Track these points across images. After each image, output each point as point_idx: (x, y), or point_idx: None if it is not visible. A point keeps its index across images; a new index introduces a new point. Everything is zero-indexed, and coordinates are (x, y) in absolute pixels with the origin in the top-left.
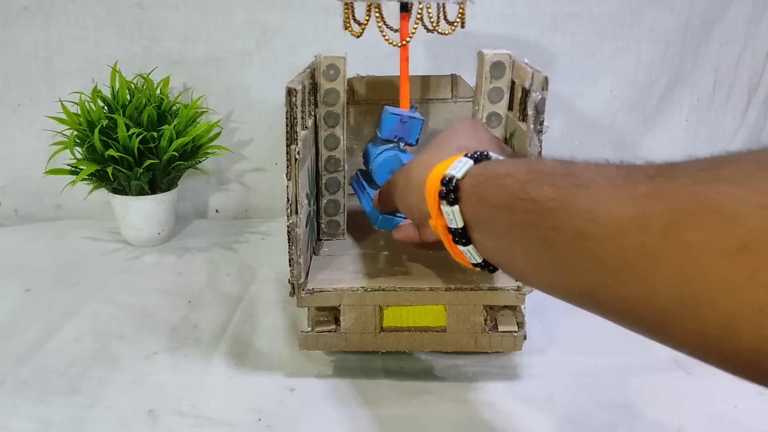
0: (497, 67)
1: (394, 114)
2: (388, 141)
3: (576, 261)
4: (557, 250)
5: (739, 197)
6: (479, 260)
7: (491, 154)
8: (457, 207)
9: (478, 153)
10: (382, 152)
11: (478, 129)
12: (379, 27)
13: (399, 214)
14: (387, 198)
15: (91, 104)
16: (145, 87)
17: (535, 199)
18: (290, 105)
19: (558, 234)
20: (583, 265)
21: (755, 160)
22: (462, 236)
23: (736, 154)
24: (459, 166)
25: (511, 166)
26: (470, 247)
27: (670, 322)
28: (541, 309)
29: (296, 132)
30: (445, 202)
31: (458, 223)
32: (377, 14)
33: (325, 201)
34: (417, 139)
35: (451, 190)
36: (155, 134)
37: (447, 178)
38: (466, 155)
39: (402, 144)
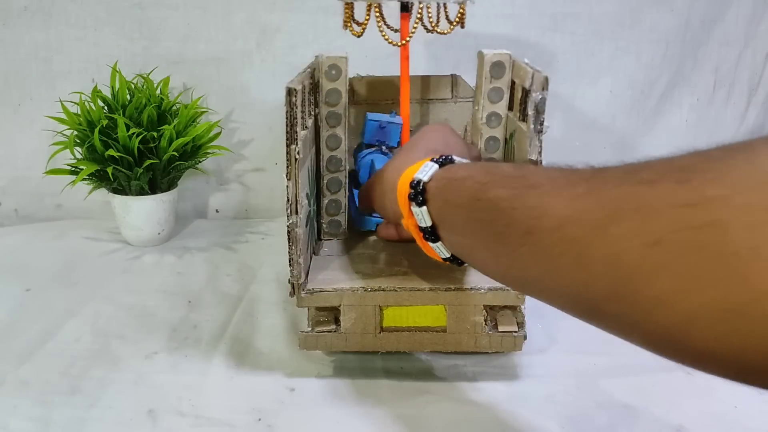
0: (497, 67)
1: (374, 120)
2: (371, 145)
3: (525, 253)
4: (510, 244)
5: (655, 196)
6: (448, 255)
7: (455, 158)
8: (425, 208)
9: (443, 157)
10: (365, 156)
11: (446, 132)
12: (379, 27)
13: (375, 215)
14: (366, 200)
15: (91, 104)
16: (145, 87)
17: (491, 199)
18: (290, 105)
19: (510, 230)
20: (532, 256)
21: (670, 164)
22: (431, 234)
23: (657, 159)
24: (425, 170)
25: (471, 169)
26: (439, 244)
27: (604, 307)
28: (541, 309)
29: (296, 132)
30: (414, 203)
31: (427, 222)
32: (377, 14)
33: (326, 201)
34: (398, 142)
35: (419, 193)
36: (155, 134)
37: (415, 182)
38: (432, 159)
39: (384, 147)
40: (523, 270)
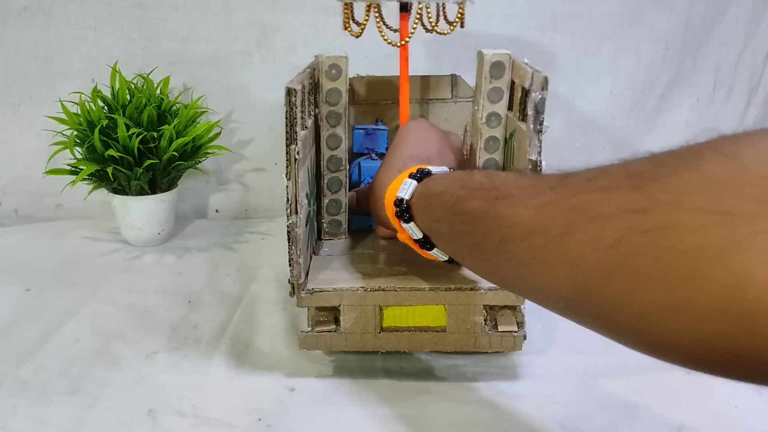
0: (497, 67)
1: (360, 129)
2: (361, 153)
3: (502, 260)
4: (488, 252)
5: (610, 203)
6: (446, 258)
7: (432, 169)
8: (412, 223)
9: (420, 171)
10: (355, 161)
11: (424, 130)
12: (379, 27)
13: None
14: (366, 209)
15: (91, 104)
16: (145, 87)
17: (467, 212)
18: (290, 105)
19: (486, 239)
20: (507, 263)
21: (625, 171)
22: (426, 243)
23: (613, 165)
24: (406, 188)
25: (446, 183)
26: (435, 250)
27: (573, 306)
28: (541, 309)
29: (296, 132)
30: (401, 220)
31: (418, 235)
32: (377, 14)
33: (327, 200)
34: (386, 147)
35: (404, 210)
36: (155, 134)
37: (398, 200)
38: (410, 175)
39: (374, 154)
40: (503, 274)
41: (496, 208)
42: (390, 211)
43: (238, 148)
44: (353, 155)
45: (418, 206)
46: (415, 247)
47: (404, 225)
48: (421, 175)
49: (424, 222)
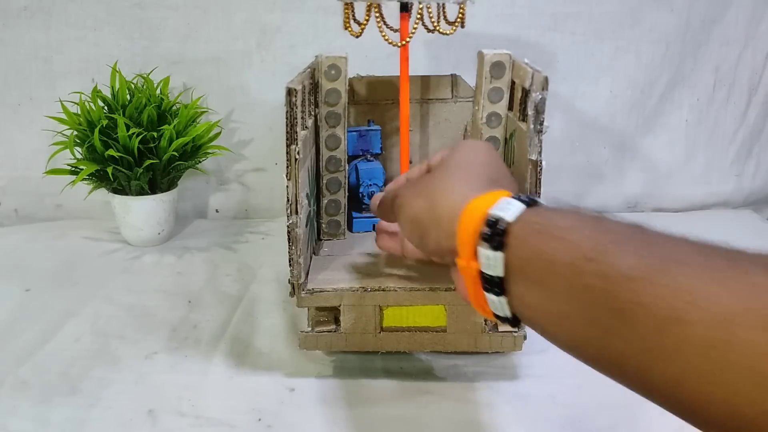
0: (497, 67)
1: (353, 131)
2: (356, 156)
3: (658, 344)
4: (635, 327)
5: None
6: (509, 314)
7: (539, 200)
8: (501, 253)
9: (528, 197)
10: (352, 167)
11: (492, 154)
12: (379, 27)
13: (366, 214)
14: (388, 212)
15: (91, 104)
16: (145, 87)
17: (614, 264)
18: (290, 105)
19: (642, 310)
20: (665, 350)
21: None
22: (497, 285)
23: None
24: (507, 208)
25: (574, 219)
26: (502, 298)
27: (754, 426)
28: None
29: (296, 132)
30: (488, 245)
31: (498, 272)
32: (377, 14)
33: (326, 201)
34: (381, 147)
35: (497, 233)
36: (155, 134)
37: (493, 219)
38: (513, 197)
39: (369, 155)
40: (640, 361)
41: (668, 272)
42: (467, 230)
43: (238, 148)
44: (348, 158)
45: (522, 234)
46: (473, 285)
47: (486, 252)
48: (530, 201)
49: (523, 258)
